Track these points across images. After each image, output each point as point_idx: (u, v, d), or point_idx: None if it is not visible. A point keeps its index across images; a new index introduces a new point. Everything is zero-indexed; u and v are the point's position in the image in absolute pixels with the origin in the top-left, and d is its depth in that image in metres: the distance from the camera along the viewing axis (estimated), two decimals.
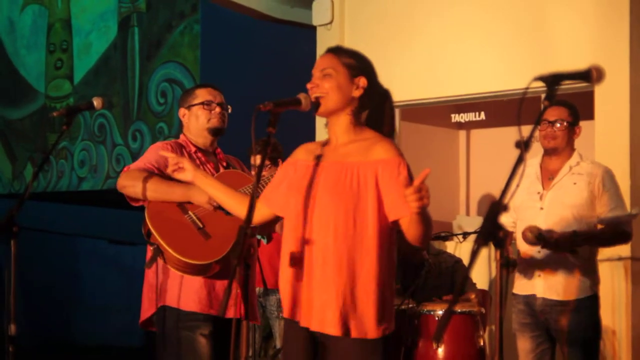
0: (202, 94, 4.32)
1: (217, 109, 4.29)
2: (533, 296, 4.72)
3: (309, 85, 3.32)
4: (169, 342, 4.12)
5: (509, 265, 4.57)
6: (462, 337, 5.31)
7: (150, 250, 4.02)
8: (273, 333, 6.19)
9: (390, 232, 3.26)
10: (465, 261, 6.02)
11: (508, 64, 6.83)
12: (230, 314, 3.72)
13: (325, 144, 3.39)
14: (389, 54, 7.33)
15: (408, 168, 3.25)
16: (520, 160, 2.55)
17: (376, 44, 7.38)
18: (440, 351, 5.28)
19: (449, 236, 6.10)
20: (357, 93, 3.32)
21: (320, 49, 7.32)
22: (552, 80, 2.67)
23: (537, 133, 4.49)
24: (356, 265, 3.20)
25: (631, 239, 4.81)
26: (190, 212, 4.05)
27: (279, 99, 3.18)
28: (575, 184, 4.69)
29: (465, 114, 7.74)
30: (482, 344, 5.40)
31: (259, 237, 4.78)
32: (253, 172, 4.55)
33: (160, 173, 4.07)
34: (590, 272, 4.72)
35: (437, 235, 5.97)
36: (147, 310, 4.21)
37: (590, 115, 6.31)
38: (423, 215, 3.10)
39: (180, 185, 4.00)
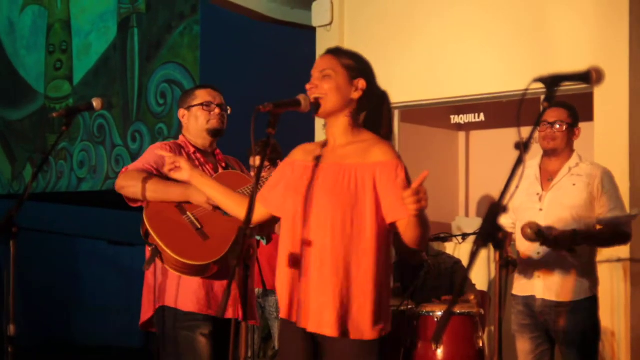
0: (201, 95, 4.32)
1: (217, 110, 4.29)
2: (532, 297, 4.73)
3: (308, 86, 3.32)
4: (168, 342, 4.12)
5: (509, 265, 4.60)
6: (461, 338, 5.31)
7: (148, 251, 4.02)
8: (272, 334, 6.19)
9: (387, 234, 3.27)
10: (465, 262, 6.02)
11: (508, 65, 6.84)
12: (229, 314, 3.72)
13: (323, 145, 3.39)
14: (389, 55, 7.33)
15: (405, 170, 3.25)
16: (519, 161, 2.55)
17: (376, 45, 7.38)
18: (440, 352, 5.29)
19: (448, 237, 6.10)
20: (356, 95, 3.32)
21: (320, 50, 7.31)
22: (552, 82, 2.67)
23: (536, 134, 4.49)
24: (353, 267, 3.20)
25: (630, 239, 4.81)
26: (188, 213, 4.06)
27: (279, 100, 3.18)
28: (574, 185, 4.70)
29: (465, 115, 7.75)
30: (481, 345, 5.40)
31: (258, 238, 4.78)
32: (252, 173, 4.55)
33: (158, 174, 4.07)
34: (590, 274, 4.73)
35: (437, 236, 5.97)
36: (146, 311, 4.21)
37: (589, 117, 6.31)
38: (421, 218, 3.11)
39: (178, 186, 4.00)
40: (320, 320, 3.21)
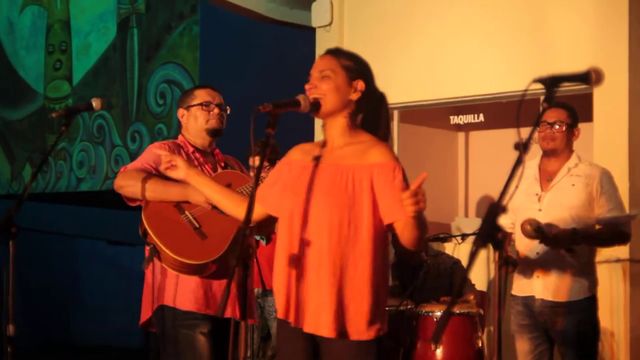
0: (201, 95, 4.32)
1: (216, 110, 4.29)
2: (532, 297, 4.73)
3: (307, 86, 3.32)
4: (168, 341, 4.12)
5: (509, 264, 4.61)
6: (460, 338, 5.32)
7: (147, 250, 4.03)
8: (271, 334, 6.19)
9: (384, 235, 3.27)
10: (464, 262, 6.02)
11: (507, 65, 6.84)
12: (228, 313, 3.73)
13: (320, 145, 3.40)
14: (388, 56, 7.33)
15: (403, 172, 3.25)
16: (519, 161, 2.55)
17: (375, 45, 7.39)
18: (439, 352, 5.29)
19: (447, 237, 6.11)
20: (354, 96, 3.32)
21: (320, 51, 7.31)
22: (551, 82, 2.68)
23: (536, 135, 4.49)
24: (350, 268, 3.20)
25: (630, 240, 4.82)
26: (186, 212, 4.06)
27: (278, 100, 3.18)
28: (573, 185, 4.70)
29: (464, 115, 7.75)
30: (480, 345, 5.40)
31: (258, 238, 4.79)
32: (252, 173, 4.55)
33: (157, 173, 4.07)
34: (589, 274, 4.73)
35: (436, 236, 5.98)
36: (146, 311, 4.22)
37: (589, 117, 6.31)
38: (419, 219, 3.11)
39: (177, 185, 4.00)
40: (317, 320, 3.21)
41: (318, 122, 3.26)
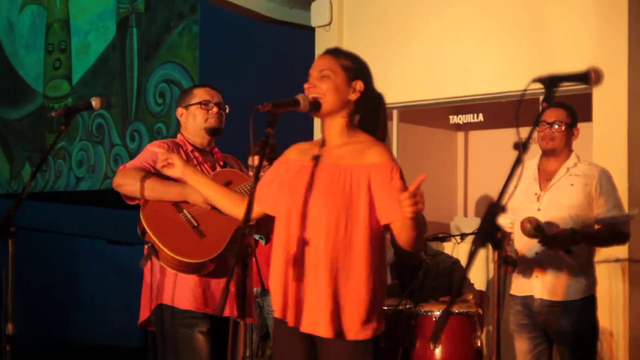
0: (199, 94, 4.32)
1: (215, 109, 4.29)
2: (531, 297, 4.73)
3: (306, 86, 3.31)
4: (167, 340, 4.12)
5: (509, 263, 4.61)
6: (459, 338, 5.32)
7: (146, 249, 4.03)
8: (270, 333, 6.19)
9: (381, 236, 3.27)
10: (463, 262, 6.02)
11: (506, 65, 6.84)
12: (227, 312, 3.73)
13: (318, 144, 3.40)
14: (388, 56, 7.34)
15: (400, 172, 3.25)
16: (518, 161, 2.55)
17: (375, 45, 7.39)
18: (438, 352, 5.29)
19: (446, 237, 6.10)
20: (353, 96, 3.32)
21: (319, 50, 7.32)
22: (551, 82, 2.68)
23: (535, 134, 4.50)
24: (347, 268, 3.20)
25: (629, 239, 4.82)
26: (185, 211, 4.06)
27: (278, 100, 3.18)
28: (572, 185, 4.70)
29: (464, 115, 7.75)
30: (479, 344, 5.40)
31: (257, 237, 4.78)
32: (251, 173, 4.55)
33: (156, 172, 4.07)
34: (588, 273, 4.73)
35: (435, 236, 5.98)
36: (145, 311, 4.22)
37: (588, 117, 6.31)
38: (416, 220, 3.11)
39: (176, 185, 4.00)
40: (314, 320, 3.21)
41: (317, 122, 3.26)
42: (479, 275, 6.41)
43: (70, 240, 11.47)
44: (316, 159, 3.30)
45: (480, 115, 7.64)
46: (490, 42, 6.98)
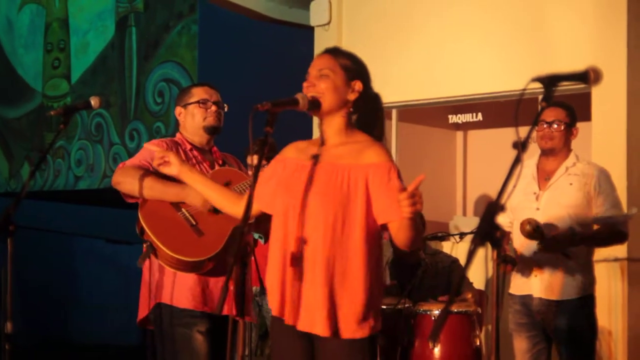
0: (198, 93, 4.33)
1: (213, 108, 4.29)
2: (529, 296, 4.73)
3: (305, 84, 3.31)
4: (166, 339, 4.13)
5: (508, 262, 4.61)
6: (458, 337, 5.32)
7: (145, 248, 4.03)
8: (269, 332, 6.19)
9: (378, 235, 3.28)
10: (462, 261, 6.03)
11: (506, 64, 6.84)
12: (226, 311, 3.73)
13: (314, 143, 3.40)
14: (387, 55, 7.34)
15: (398, 173, 3.25)
16: (517, 160, 2.55)
17: (374, 44, 7.39)
18: (437, 351, 5.29)
19: (445, 236, 6.11)
20: (352, 96, 3.32)
21: (318, 50, 7.32)
22: (550, 82, 2.68)
23: (534, 134, 4.50)
24: (344, 267, 3.21)
25: (627, 239, 4.83)
26: (183, 210, 4.06)
27: (277, 99, 3.19)
28: (571, 184, 4.70)
29: (463, 115, 7.75)
30: (478, 343, 5.40)
31: (256, 236, 4.78)
32: (250, 172, 4.55)
33: (155, 170, 4.07)
34: (587, 272, 4.73)
35: (434, 235, 5.99)
36: (143, 309, 4.22)
37: (587, 117, 6.32)
38: (414, 221, 3.12)
39: (175, 185, 4.01)
40: (311, 319, 3.22)
41: (316, 121, 3.26)
42: (478, 274, 6.41)
43: (69, 239, 11.48)
44: (315, 157, 3.30)
45: (479, 114, 7.64)
46: (489, 41, 6.98)
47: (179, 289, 4.08)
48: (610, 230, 4.71)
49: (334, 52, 3.40)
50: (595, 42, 6.39)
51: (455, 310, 5.35)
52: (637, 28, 6.34)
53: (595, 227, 4.75)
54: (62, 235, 11.33)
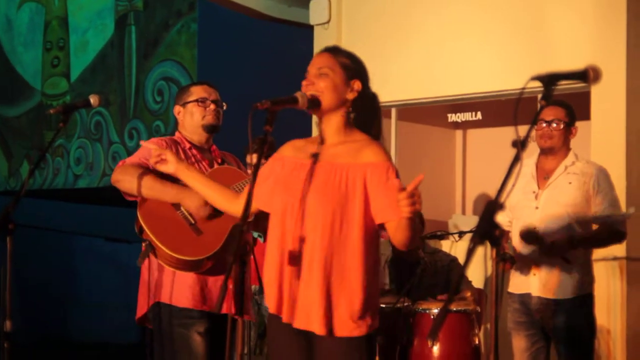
0: (197, 92, 4.33)
1: (212, 106, 4.29)
2: (528, 295, 4.73)
3: (304, 83, 3.31)
4: (165, 338, 4.13)
5: (507, 260, 4.62)
6: (457, 336, 5.32)
7: (144, 247, 4.03)
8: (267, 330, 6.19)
9: (375, 234, 3.29)
10: (461, 260, 6.03)
11: (505, 63, 6.84)
12: (225, 310, 3.73)
13: (312, 142, 3.40)
14: (386, 54, 7.34)
15: (396, 172, 3.25)
16: (516, 159, 2.55)
17: (373, 43, 7.39)
18: (436, 349, 5.29)
19: (444, 235, 6.11)
20: (351, 95, 3.33)
21: (317, 48, 7.30)
22: (549, 80, 2.68)
23: (533, 133, 4.50)
24: (341, 265, 3.21)
25: (625, 238, 4.83)
26: (182, 208, 4.06)
27: (276, 97, 3.18)
28: (570, 183, 4.71)
29: (462, 113, 7.76)
30: (477, 342, 5.41)
31: (256, 235, 4.78)
32: (249, 171, 4.55)
33: (154, 168, 4.07)
34: (585, 271, 4.74)
35: (433, 234, 5.99)
36: (141, 307, 4.22)
37: (586, 116, 6.32)
38: (413, 221, 3.12)
39: (174, 187, 4.01)
40: (308, 317, 3.23)
41: (315, 120, 3.26)
42: (477, 273, 6.42)
43: (68, 238, 11.47)
44: (315, 156, 3.30)
45: (479, 113, 7.65)
46: (489, 40, 6.98)
47: (178, 288, 4.08)
48: (609, 230, 4.71)
49: (334, 51, 3.40)
50: (594, 41, 6.39)
51: (454, 309, 5.35)
52: (636, 27, 6.35)
53: (594, 226, 4.75)
54: (61, 234, 11.32)
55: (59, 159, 10.78)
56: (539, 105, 2.76)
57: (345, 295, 3.21)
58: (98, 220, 11.26)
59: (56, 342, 10.61)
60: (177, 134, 4.36)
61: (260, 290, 5.96)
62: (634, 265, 6.19)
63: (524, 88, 2.64)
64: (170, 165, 3.76)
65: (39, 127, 11.00)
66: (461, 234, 6.00)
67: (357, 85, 3.33)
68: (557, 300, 4.67)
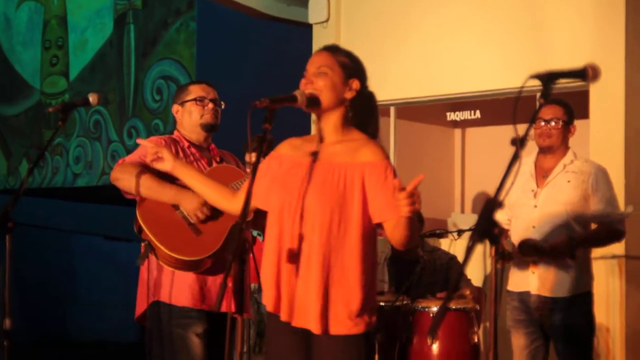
0: (195, 90, 4.33)
1: (210, 105, 4.30)
2: (527, 293, 4.74)
3: (303, 81, 3.31)
4: (164, 338, 4.13)
5: (505, 256, 4.62)
6: (456, 334, 5.32)
7: (143, 246, 4.03)
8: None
9: (373, 233, 3.30)
10: (460, 258, 6.03)
11: (504, 62, 6.84)
12: (224, 308, 3.73)
13: (310, 140, 3.40)
14: (385, 52, 7.34)
15: (394, 171, 3.26)
16: (515, 157, 2.56)
17: (372, 42, 7.39)
18: (435, 347, 5.29)
19: (443, 233, 6.11)
20: (349, 95, 3.33)
21: (316, 47, 7.29)
22: (548, 79, 2.68)
23: (532, 131, 4.51)
24: (339, 264, 3.22)
25: (624, 237, 4.83)
26: (181, 208, 4.06)
27: (275, 96, 3.19)
28: (569, 182, 4.71)
29: (461, 112, 7.76)
30: (476, 340, 5.41)
31: (255, 234, 4.78)
32: (248, 170, 4.55)
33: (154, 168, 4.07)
34: (584, 270, 4.74)
35: (432, 232, 5.98)
36: (140, 306, 4.23)
37: (585, 115, 6.32)
38: (411, 220, 3.12)
39: (172, 187, 4.01)
40: (305, 315, 3.23)
41: (314, 118, 3.27)
42: (476, 271, 6.42)
43: (67, 237, 11.47)
44: (314, 155, 3.31)
45: (478, 112, 7.65)
46: (488, 39, 6.98)
47: (178, 287, 4.08)
48: (608, 230, 4.72)
49: (333, 50, 3.40)
50: (593, 39, 6.39)
51: (454, 307, 5.35)
52: (635, 26, 6.35)
53: (593, 225, 4.75)
54: (60, 233, 11.32)
55: (58, 158, 10.78)
56: (537, 104, 2.76)
57: (343, 293, 3.22)
58: (97, 219, 11.26)
59: (55, 340, 10.61)
60: (175, 132, 4.36)
61: (259, 289, 5.97)
62: (633, 264, 6.19)
63: (522, 86, 2.65)
64: (167, 163, 3.75)
65: (38, 126, 11.00)
66: (460, 232, 6.00)
67: (355, 84, 3.33)
68: (556, 299, 4.67)
